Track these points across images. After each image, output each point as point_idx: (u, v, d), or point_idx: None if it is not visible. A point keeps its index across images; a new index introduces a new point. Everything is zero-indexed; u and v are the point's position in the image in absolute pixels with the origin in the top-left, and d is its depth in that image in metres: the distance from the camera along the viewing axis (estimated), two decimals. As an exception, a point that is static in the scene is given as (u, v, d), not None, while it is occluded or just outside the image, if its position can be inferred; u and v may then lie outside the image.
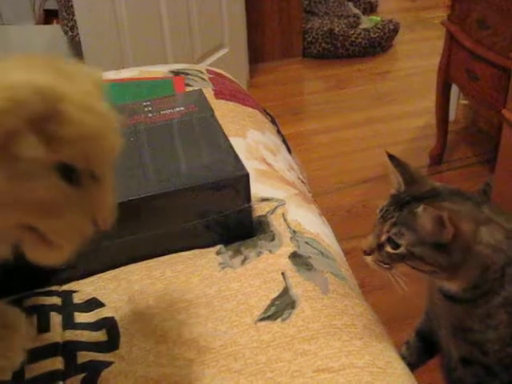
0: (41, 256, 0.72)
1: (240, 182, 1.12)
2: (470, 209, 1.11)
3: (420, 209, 1.05)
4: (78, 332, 0.99)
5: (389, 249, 1.10)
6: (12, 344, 0.87)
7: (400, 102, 3.40)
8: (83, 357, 0.94)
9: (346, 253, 1.33)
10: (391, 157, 1.16)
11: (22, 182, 0.63)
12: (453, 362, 1.29)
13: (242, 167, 1.13)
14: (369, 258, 1.13)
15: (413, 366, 1.35)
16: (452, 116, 3.06)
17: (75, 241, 0.71)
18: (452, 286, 1.14)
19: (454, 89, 2.88)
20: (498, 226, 1.12)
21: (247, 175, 1.12)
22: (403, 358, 1.18)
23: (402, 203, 1.10)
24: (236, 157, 1.16)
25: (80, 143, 0.65)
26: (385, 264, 1.11)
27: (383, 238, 1.10)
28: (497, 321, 1.15)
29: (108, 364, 0.93)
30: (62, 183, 0.66)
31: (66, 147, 0.64)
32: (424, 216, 1.04)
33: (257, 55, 3.70)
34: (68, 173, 0.66)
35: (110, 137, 0.68)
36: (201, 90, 1.46)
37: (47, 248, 0.70)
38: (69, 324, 1.00)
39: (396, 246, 1.08)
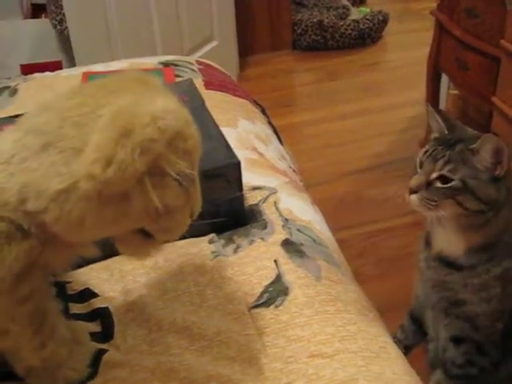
0: (137, 252, 0.82)
1: (232, 170, 1.12)
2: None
3: (482, 138, 1.08)
4: (77, 326, 0.98)
5: (439, 184, 1.11)
6: (80, 358, 0.90)
7: (390, 93, 3.39)
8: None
9: (340, 243, 1.34)
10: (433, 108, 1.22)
11: (163, 194, 0.72)
12: (441, 344, 1.29)
13: (234, 156, 1.13)
14: (414, 197, 1.14)
15: (409, 348, 1.37)
16: (442, 106, 3.06)
17: (177, 235, 0.81)
18: (461, 246, 1.16)
19: (444, 79, 2.88)
20: None
21: (238, 163, 1.12)
22: (399, 341, 1.20)
23: (450, 144, 1.13)
24: (227, 146, 1.16)
25: (194, 152, 0.76)
26: (432, 202, 1.12)
27: (434, 175, 1.12)
28: (491, 294, 1.17)
29: (104, 351, 0.93)
30: (179, 189, 0.74)
31: (187, 158, 0.74)
32: (486, 145, 1.08)
33: (246, 48, 3.69)
34: (180, 180, 0.74)
35: (200, 142, 0.78)
36: (191, 79, 1.46)
37: (148, 245, 0.79)
38: (64, 315, 0.99)
39: (447, 181, 1.10)
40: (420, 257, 1.26)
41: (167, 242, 0.81)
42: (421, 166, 1.15)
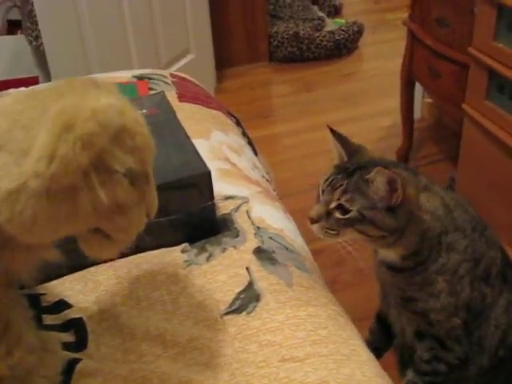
0: (100, 253, 0.82)
1: (202, 179, 1.14)
2: (411, 176, 1.17)
3: (374, 171, 1.09)
4: (48, 335, 0.99)
5: (338, 215, 1.13)
6: (50, 365, 0.90)
7: (366, 103, 3.43)
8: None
9: (317, 252, 1.35)
10: (333, 131, 1.23)
11: (111, 191, 0.73)
12: (408, 341, 1.32)
13: (204, 165, 1.15)
14: (315, 226, 1.15)
15: (379, 350, 1.38)
16: (417, 114, 3.10)
17: (134, 235, 0.81)
18: (392, 255, 1.20)
19: (419, 87, 2.92)
20: (434, 194, 1.20)
21: (209, 173, 1.14)
22: (369, 343, 1.21)
23: (348, 172, 1.15)
24: (198, 156, 1.18)
25: (145, 150, 0.77)
26: (332, 231, 1.14)
27: (333, 205, 1.13)
28: (436, 289, 1.19)
29: (78, 361, 0.94)
30: (130, 187, 0.75)
31: (136, 155, 0.75)
32: (378, 178, 1.09)
33: (223, 60, 3.71)
34: (130, 177, 0.75)
35: (152, 141, 0.80)
36: (163, 92, 1.48)
37: (109, 245, 0.80)
38: (37, 326, 1.00)
39: (346, 212, 1.12)
40: (373, 258, 1.30)
41: (126, 241, 0.81)
42: (321, 195, 1.17)
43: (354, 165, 1.16)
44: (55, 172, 0.67)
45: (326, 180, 1.17)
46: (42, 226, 0.71)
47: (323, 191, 1.17)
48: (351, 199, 1.11)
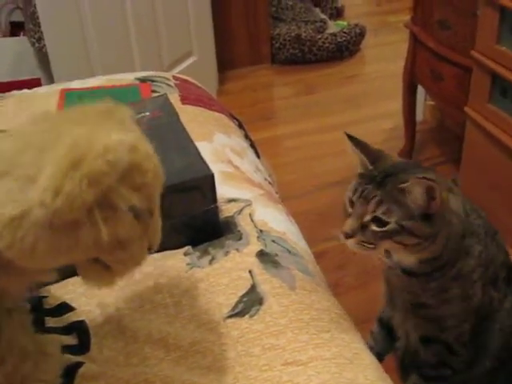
0: (98, 282, 0.80)
1: (205, 182, 1.14)
2: (440, 179, 1.13)
3: (411, 182, 1.06)
4: (47, 338, 0.99)
5: (374, 227, 1.09)
6: (48, 368, 0.90)
7: (368, 105, 3.43)
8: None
9: (320, 255, 1.35)
10: (351, 137, 1.18)
11: (113, 227, 0.71)
12: (412, 346, 1.31)
13: (207, 168, 1.15)
14: (351, 241, 1.11)
15: (381, 354, 1.38)
16: (420, 117, 3.10)
17: (134, 267, 0.80)
18: (411, 259, 1.16)
19: (421, 90, 2.92)
20: (456, 195, 1.17)
21: (212, 176, 1.14)
22: (371, 348, 1.21)
23: (378, 181, 1.11)
24: (201, 159, 1.18)
25: (153, 186, 0.76)
26: (369, 244, 1.11)
27: (368, 217, 1.10)
28: (450, 295, 1.18)
29: (81, 364, 0.94)
30: (135, 222, 0.74)
31: (143, 192, 0.74)
32: (416, 189, 1.06)
33: (226, 63, 3.72)
34: (134, 212, 0.74)
35: (161, 174, 0.78)
36: (166, 95, 1.48)
37: (107, 275, 0.78)
38: (39, 329, 1.00)
39: (382, 223, 1.08)
40: (383, 261, 1.25)
41: (126, 273, 0.80)
42: (352, 206, 1.13)
43: (381, 173, 1.12)
44: (60, 207, 0.66)
45: (355, 191, 1.12)
46: (42, 253, 0.70)
47: (352, 202, 1.12)
48: (388, 211, 1.08)
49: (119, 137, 0.71)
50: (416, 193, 1.06)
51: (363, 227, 1.10)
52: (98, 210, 0.69)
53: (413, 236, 1.09)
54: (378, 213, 1.08)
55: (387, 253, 1.20)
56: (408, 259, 1.17)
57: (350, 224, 1.11)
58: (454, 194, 1.17)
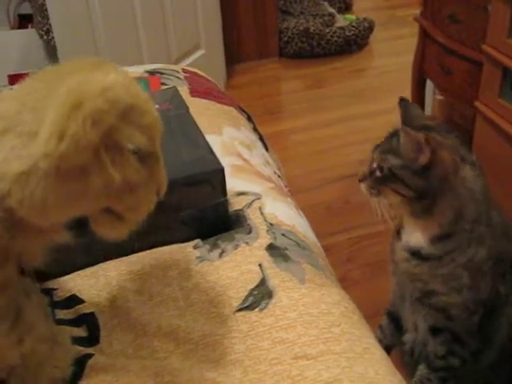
0: (111, 232, 0.82)
1: (215, 176, 1.14)
2: (457, 145, 1.22)
3: (400, 133, 1.17)
4: (58, 328, 0.99)
5: (377, 173, 1.22)
6: (61, 357, 0.91)
7: (376, 99, 3.41)
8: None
9: (328, 249, 1.35)
10: (402, 99, 1.33)
11: (122, 169, 0.73)
12: (421, 338, 1.31)
13: (217, 162, 1.15)
14: (362, 185, 1.26)
15: (389, 347, 1.39)
16: (428, 111, 3.09)
17: (144, 213, 0.81)
18: (422, 236, 1.22)
19: (430, 84, 2.91)
20: (479, 177, 1.21)
21: (222, 169, 1.13)
22: (379, 341, 1.21)
23: (391, 134, 1.24)
24: (211, 152, 1.18)
25: (153, 128, 0.77)
26: (373, 189, 1.24)
27: (374, 165, 1.23)
28: (460, 283, 1.21)
29: (90, 356, 0.94)
30: (139, 165, 0.75)
31: (145, 133, 0.75)
32: (404, 139, 1.16)
33: (233, 56, 3.71)
34: (139, 155, 0.76)
35: (160, 120, 0.79)
36: (175, 87, 1.47)
37: (119, 224, 0.80)
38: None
39: (382, 170, 1.21)
40: (392, 248, 1.33)
41: (136, 221, 0.81)
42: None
43: (399, 129, 1.22)
44: (65, 151, 0.67)
45: (378, 144, 1.26)
46: (52, 206, 0.71)
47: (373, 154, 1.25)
48: (385, 159, 1.20)
49: (115, 76, 0.72)
50: (404, 143, 1.16)
51: (371, 173, 1.23)
52: (104, 152, 0.70)
53: (404, 185, 1.18)
54: (379, 159, 1.21)
55: (398, 229, 1.29)
56: (418, 237, 1.23)
57: (362, 170, 1.27)
58: (472, 169, 1.20)
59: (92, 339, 0.98)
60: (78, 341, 0.97)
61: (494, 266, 1.21)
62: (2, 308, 0.79)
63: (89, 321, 1.01)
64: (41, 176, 0.69)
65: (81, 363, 0.93)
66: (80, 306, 1.04)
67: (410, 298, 1.32)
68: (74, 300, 1.05)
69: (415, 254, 1.24)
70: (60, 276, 1.09)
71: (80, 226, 0.82)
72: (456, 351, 1.27)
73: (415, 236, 1.23)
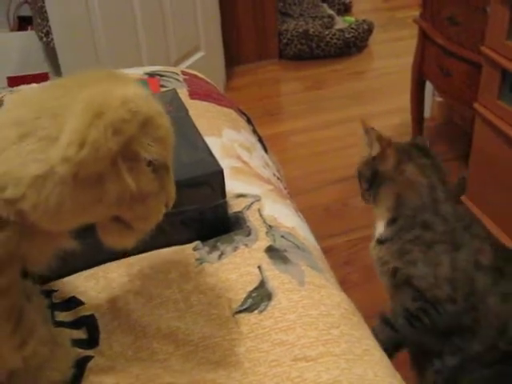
0: (118, 241, 0.83)
1: (215, 178, 1.14)
2: (411, 148, 1.48)
3: (364, 130, 1.47)
4: (58, 330, 0.99)
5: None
6: (62, 359, 0.91)
7: (376, 101, 3.42)
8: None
9: (326, 251, 1.35)
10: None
11: (137, 178, 0.74)
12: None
13: (217, 164, 1.15)
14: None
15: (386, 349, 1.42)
16: (427, 113, 3.09)
17: (153, 223, 0.82)
18: (381, 223, 1.45)
19: (429, 86, 2.91)
20: (426, 175, 1.43)
21: (221, 171, 1.14)
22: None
23: None
24: (210, 154, 1.18)
25: (167, 141, 0.78)
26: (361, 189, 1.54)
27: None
28: (412, 257, 1.36)
29: (90, 358, 0.94)
30: (153, 175, 0.77)
31: (159, 146, 0.76)
32: (366, 135, 1.47)
33: (233, 58, 3.71)
34: (153, 165, 0.77)
35: (172, 133, 0.80)
36: (175, 89, 1.48)
37: (127, 233, 0.81)
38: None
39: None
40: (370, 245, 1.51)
41: (144, 230, 0.82)
42: None
43: None
44: (85, 158, 0.67)
45: None
46: (66, 212, 0.72)
47: None
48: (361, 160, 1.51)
49: (135, 89, 0.74)
50: (366, 139, 1.49)
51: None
52: (121, 161, 0.71)
53: (362, 179, 1.50)
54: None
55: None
56: (380, 225, 1.46)
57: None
58: (424, 172, 1.43)
59: (92, 341, 0.98)
60: (77, 343, 0.97)
61: (452, 252, 1.34)
62: (5, 311, 0.79)
63: (88, 323, 1.01)
64: (57, 181, 0.70)
65: (80, 365, 0.93)
66: (80, 307, 1.04)
67: (386, 286, 1.47)
68: (73, 302, 1.05)
69: (378, 241, 1.44)
70: (57, 278, 1.09)
71: (82, 231, 0.82)
72: (428, 310, 1.35)
73: (378, 226, 1.44)
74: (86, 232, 0.81)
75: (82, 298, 1.06)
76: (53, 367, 0.88)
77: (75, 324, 1.02)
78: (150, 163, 0.76)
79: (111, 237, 0.81)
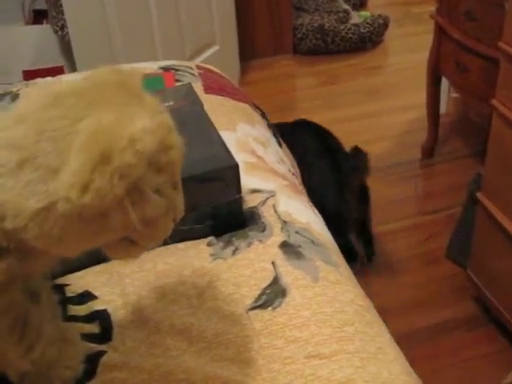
0: (125, 256, 0.81)
1: (230, 173, 1.13)
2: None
3: None
4: (67, 325, 0.99)
5: None
6: (72, 355, 0.91)
7: (391, 97, 3.40)
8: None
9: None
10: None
11: (141, 209, 0.70)
12: None
13: (232, 158, 1.14)
14: None
15: None
16: (443, 109, 3.07)
17: (160, 240, 0.79)
18: None
19: (445, 82, 2.89)
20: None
21: (237, 166, 1.13)
22: None
23: None
24: (225, 149, 1.17)
25: (177, 163, 0.74)
26: None
27: None
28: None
29: (103, 353, 0.94)
30: (159, 200, 0.72)
31: (168, 170, 0.72)
32: None
33: (248, 52, 3.70)
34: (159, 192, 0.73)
35: (181, 147, 0.76)
36: (190, 84, 1.47)
37: (134, 250, 0.78)
38: (62, 317, 1.00)
39: None
40: None
41: (152, 246, 0.80)
42: None
43: None
44: (89, 203, 0.64)
45: None
46: (69, 242, 0.70)
47: None
48: None
49: (143, 123, 0.68)
50: None
51: None
52: (126, 198, 0.67)
53: None
54: None
55: None
56: None
57: None
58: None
59: (105, 336, 0.98)
60: (90, 337, 0.97)
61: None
62: (9, 326, 0.78)
63: (101, 317, 1.01)
64: (60, 215, 0.67)
65: (93, 360, 0.92)
66: (93, 301, 1.04)
67: None
68: (86, 296, 1.05)
69: None
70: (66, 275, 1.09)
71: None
72: None
73: None
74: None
75: (95, 293, 1.05)
76: (63, 365, 0.87)
77: (88, 318, 1.01)
78: (157, 190, 0.72)
79: (117, 253, 0.79)
